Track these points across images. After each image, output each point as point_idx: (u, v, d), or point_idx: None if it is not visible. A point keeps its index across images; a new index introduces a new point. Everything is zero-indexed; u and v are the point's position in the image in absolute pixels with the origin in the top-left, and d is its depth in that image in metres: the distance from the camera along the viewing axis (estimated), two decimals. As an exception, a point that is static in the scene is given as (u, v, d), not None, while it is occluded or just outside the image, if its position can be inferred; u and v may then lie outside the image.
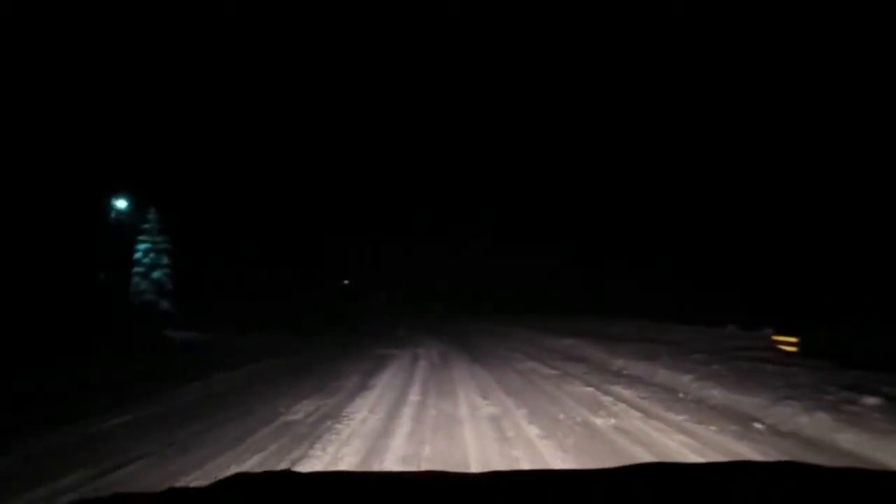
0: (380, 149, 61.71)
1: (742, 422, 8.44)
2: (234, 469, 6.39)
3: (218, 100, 43.62)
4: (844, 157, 31.89)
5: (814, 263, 31.19)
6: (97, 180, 33.33)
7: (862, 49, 31.49)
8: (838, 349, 12.63)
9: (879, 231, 28.19)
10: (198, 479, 6.10)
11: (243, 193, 43.37)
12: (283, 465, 6.59)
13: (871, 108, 30.79)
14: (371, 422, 8.86)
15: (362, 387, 12.35)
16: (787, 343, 14.86)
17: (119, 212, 37.29)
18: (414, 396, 11.04)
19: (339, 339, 28.86)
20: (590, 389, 11.32)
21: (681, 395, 10.48)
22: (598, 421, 8.59)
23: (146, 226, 37.91)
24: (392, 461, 6.72)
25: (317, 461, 6.75)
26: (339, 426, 8.54)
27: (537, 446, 7.24)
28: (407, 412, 9.58)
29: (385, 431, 8.19)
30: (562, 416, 8.91)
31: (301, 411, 9.71)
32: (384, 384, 12.71)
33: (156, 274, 37.62)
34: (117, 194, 37.11)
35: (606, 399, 10.30)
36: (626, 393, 10.81)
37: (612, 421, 8.57)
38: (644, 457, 6.61)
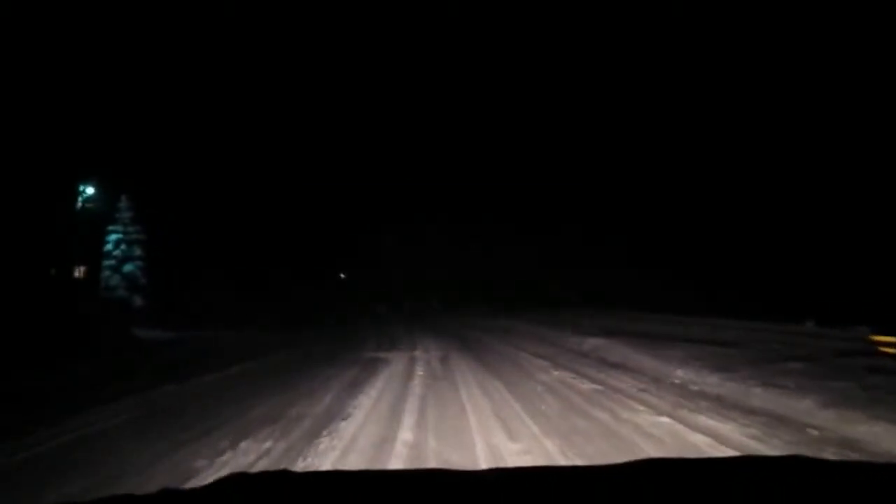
0: (374, 140, 58.15)
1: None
2: None
3: (199, 82, 39.88)
4: (872, 148, 29.37)
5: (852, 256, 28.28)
6: (61, 164, 29.70)
7: (865, 47, 29.47)
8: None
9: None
10: None
11: (228, 181, 39.64)
12: None
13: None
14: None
15: (337, 414, 8.75)
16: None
17: (87, 199, 33.53)
18: (406, 433, 7.42)
19: (327, 336, 25.42)
20: (664, 420, 7.66)
21: (815, 432, 6.81)
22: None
23: (118, 214, 34.19)
24: None
25: None
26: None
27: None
28: (394, 466, 6.02)
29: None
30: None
31: (230, 463, 6.14)
32: (367, 409, 9.10)
33: (128, 267, 33.94)
34: (85, 180, 33.35)
35: (701, 440, 6.67)
36: (725, 430, 7.14)
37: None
38: None
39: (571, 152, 48.12)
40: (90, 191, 33.43)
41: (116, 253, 33.62)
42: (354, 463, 6.26)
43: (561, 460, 6.12)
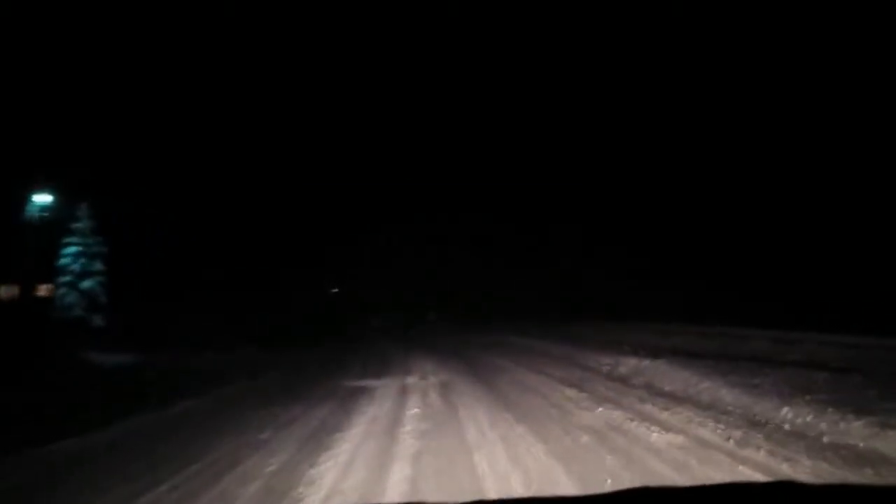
0: (359, 145, 55.01)
1: None
2: None
3: (171, 82, 36.54)
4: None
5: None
6: (8, 168, 26.32)
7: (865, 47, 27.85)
8: None
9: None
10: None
11: (202, 186, 36.13)
12: None
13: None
14: None
15: (285, 492, 5.38)
16: None
17: (41, 209, 29.94)
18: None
19: (308, 356, 22.08)
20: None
21: None
22: None
23: (76, 225, 30.60)
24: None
25: None
26: None
27: None
28: None
29: None
30: None
31: None
32: (333, 480, 5.75)
33: (87, 283, 30.29)
34: (39, 188, 29.79)
35: None
36: None
37: None
38: None
39: (569, 156, 45.32)
40: (45, 199, 29.87)
41: (74, 267, 30.03)
42: None
43: None
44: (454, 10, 46.59)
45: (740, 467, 5.76)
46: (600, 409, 8.89)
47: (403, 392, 11.89)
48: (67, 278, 29.94)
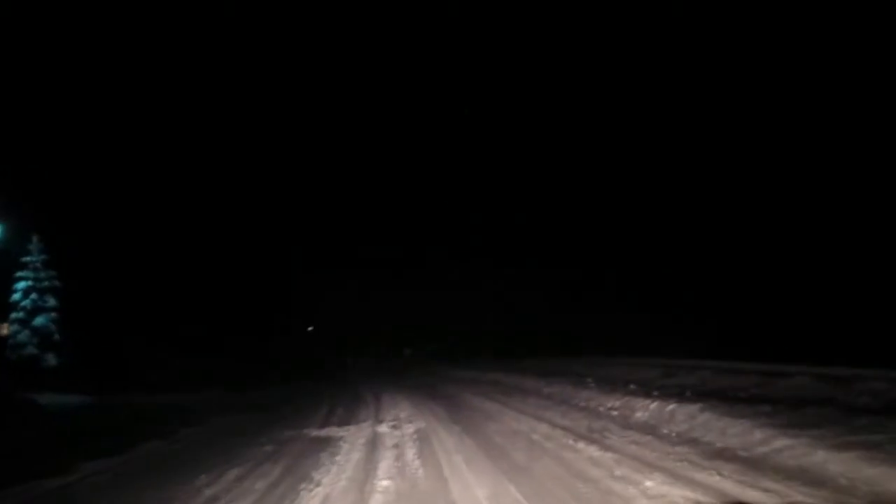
0: (329, 188, 52.00)
1: None
2: None
3: (133, 106, 33.62)
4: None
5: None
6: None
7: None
8: None
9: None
10: None
11: (166, 217, 32.94)
12: None
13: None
14: None
15: None
16: None
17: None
18: None
19: (271, 398, 19.18)
20: None
21: None
22: None
23: (27, 258, 27.24)
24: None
25: None
26: None
27: None
28: None
29: None
30: None
31: None
32: None
33: (40, 320, 26.81)
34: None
35: None
36: None
37: None
38: None
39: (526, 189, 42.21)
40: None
41: (25, 303, 26.61)
42: None
43: None
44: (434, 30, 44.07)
45: None
46: (649, 482, 5.96)
47: (373, 446, 8.97)
48: (19, 315, 26.49)
